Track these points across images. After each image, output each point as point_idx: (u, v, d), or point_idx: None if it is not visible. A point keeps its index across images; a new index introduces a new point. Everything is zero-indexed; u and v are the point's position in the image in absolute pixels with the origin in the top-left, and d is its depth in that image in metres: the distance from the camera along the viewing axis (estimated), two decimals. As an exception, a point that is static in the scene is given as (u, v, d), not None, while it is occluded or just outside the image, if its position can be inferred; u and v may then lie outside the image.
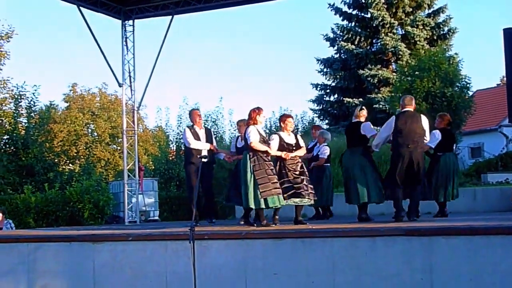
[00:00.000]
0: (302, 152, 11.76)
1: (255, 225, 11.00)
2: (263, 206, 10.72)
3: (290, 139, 11.57)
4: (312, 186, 11.47)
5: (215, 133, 26.85)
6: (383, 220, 11.38)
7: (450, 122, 12.89)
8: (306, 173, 11.55)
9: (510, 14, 65.32)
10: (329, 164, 14.06)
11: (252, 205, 10.75)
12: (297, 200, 11.20)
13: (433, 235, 8.00)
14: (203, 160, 10.60)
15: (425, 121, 11.12)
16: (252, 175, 10.69)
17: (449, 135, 12.70)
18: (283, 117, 11.87)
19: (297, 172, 11.31)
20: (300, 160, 11.63)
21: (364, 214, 11.61)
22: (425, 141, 11.21)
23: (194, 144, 13.05)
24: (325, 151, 13.81)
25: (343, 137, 15.38)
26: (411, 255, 8.02)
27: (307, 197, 11.26)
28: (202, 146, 13.01)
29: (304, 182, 11.31)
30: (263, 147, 10.94)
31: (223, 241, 9.29)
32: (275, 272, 8.74)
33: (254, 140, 10.86)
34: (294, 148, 11.54)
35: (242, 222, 11.88)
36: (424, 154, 11.43)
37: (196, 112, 13.66)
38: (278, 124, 11.78)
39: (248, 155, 10.85)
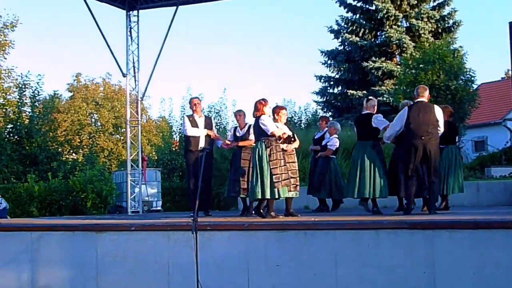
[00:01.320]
0: (297, 144, 11.99)
1: (278, 215, 11.02)
2: (276, 196, 10.75)
3: (287, 130, 11.66)
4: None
5: (218, 124, 26.90)
6: (387, 213, 11.39)
7: (452, 113, 12.84)
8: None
9: (515, 7, 65.17)
10: (334, 157, 14.06)
11: (268, 196, 10.74)
12: (293, 193, 11.43)
13: (437, 228, 7.99)
14: (204, 151, 10.62)
15: (438, 111, 10.91)
16: (268, 165, 10.71)
17: (452, 127, 12.65)
18: (277, 109, 11.98)
19: (293, 164, 11.65)
20: (294, 152, 11.94)
21: (375, 207, 11.48)
22: (439, 131, 10.91)
23: (190, 131, 13.05)
24: (335, 143, 13.84)
25: (346, 129, 15.35)
26: (414, 249, 8.01)
27: (296, 190, 11.58)
28: (198, 133, 12.98)
29: (296, 175, 11.64)
30: (281, 131, 11.13)
31: (226, 232, 9.30)
32: (278, 264, 8.74)
33: (273, 128, 10.96)
34: (292, 139, 11.66)
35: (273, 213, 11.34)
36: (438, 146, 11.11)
37: (194, 100, 13.61)
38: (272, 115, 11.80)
39: (264, 144, 10.85)
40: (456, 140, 12.96)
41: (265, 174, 10.72)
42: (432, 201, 10.89)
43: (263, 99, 11.21)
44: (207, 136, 13.02)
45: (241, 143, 12.90)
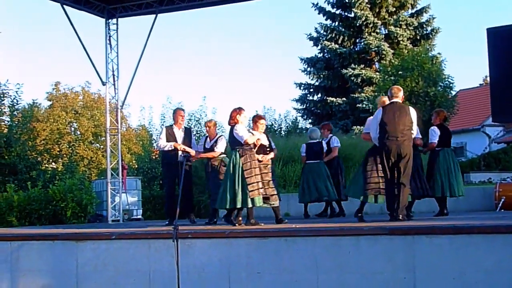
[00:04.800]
0: (273, 155, 12.06)
1: (242, 224, 11.01)
2: (250, 205, 10.75)
3: (264, 140, 11.64)
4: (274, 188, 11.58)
5: (198, 132, 26.88)
6: (381, 219, 11.37)
7: (445, 117, 12.84)
8: (272, 174, 11.73)
9: (492, 13, 65.72)
10: (318, 161, 14.14)
11: (239, 205, 10.76)
12: (274, 202, 11.43)
13: (417, 234, 8.02)
14: (180, 159, 10.67)
15: (413, 113, 10.72)
16: (241, 174, 10.70)
17: (446, 130, 12.66)
18: (256, 118, 12.02)
19: (268, 175, 11.47)
20: (271, 162, 11.87)
21: (360, 212, 11.33)
22: (412, 134, 10.71)
23: (161, 144, 13.17)
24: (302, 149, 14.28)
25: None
26: (394, 254, 8.03)
27: (272, 201, 11.40)
28: (166, 146, 13.14)
29: (271, 185, 11.45)
30: (254, 138, 11.17)
31: (207, 240, 9.28)
32: (259, 271, 8.74)
33: (247, 135, 11.01)
34: (268, 150, 11.67)
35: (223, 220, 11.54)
36: (413, 148, 10.85)
37: (179, 112, 13.63)
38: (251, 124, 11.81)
39: (237, 154, 10.86)
40: (451, 144, 12.95)
41: (237, 183, 10.75)
42: (401, 205, 10.51)
43: (239, 108, 11.26)
44: (175, 148, 13.02)
45: (202, 155, 12.94)
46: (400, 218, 10.31)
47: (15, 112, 27.66)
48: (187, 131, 13.49)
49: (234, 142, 11.08)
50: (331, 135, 14.48)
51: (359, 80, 31.65)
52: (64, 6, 17.54)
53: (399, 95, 10.88)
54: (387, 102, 11.07)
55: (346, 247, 8.30)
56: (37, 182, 21.09)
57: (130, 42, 38.98)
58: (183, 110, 13.94)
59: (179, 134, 13.19)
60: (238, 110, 11.22)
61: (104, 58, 18.91)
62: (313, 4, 33.98)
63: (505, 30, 6.14)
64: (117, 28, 19.09)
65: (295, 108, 35.17)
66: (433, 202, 12.88)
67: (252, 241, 8.93)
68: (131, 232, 10.22)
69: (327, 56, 33.95)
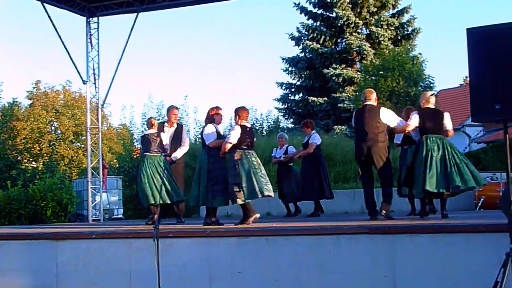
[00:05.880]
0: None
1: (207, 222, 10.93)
2: (213, 205, 10.73)
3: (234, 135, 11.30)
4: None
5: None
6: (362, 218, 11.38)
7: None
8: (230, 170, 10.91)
9: (472, 13, 66.10)
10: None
11: (201, 203, 10.90)
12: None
13: (397, 233, 8.04)
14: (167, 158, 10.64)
15: (384, 114, 10.68)
16: (207, 175, 10.63)
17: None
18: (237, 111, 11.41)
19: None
20: (233, 158, 10.88)
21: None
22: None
23: None
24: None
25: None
26: (375, 253, 8.03)
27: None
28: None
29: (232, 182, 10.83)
30: (217, 142, 10.83)
31: (188, 239, 9.27)
32: (240, 270, 8.72)
33: (211, 138, 10.84)
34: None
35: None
36: (388, 149, 10.75)
37: (173, 110, 13.66)
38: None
39: (206, 154, 10.81)
40: None
41: (200, 183, 10.72)
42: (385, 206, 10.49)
43: (216, 107, 11.16)
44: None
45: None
46: (379, 217, 10.38)
47: (-5, 111, 27.60)
48: (178, 129, 13.47)
49: (203, 141, 11.06)
50: (314, 132, 14.36)
51: (340, 80, 31.77)
52: (45, 4, 17.48)
53: (372, 98, 10.87)
54: (428, 95, 11.04)
55: (327, 246, 8.30)
56: (17, 181, 21.01)
57: (111, 41, 38.73)
58: (177, 108, 13.96)
59: (169, 132, 13.19)
60: (216, 109, 11.12)
61: (85, 56, 18.87)
62: (294, 3, 34.11)
63: (485, 31, 6.17)
64: (98, 26, 19.06)
65: (276, 108, 35.31)
66: (417, 201, 12.83)
67: (233, 240, 8.93)
68: (111, 232, 10.19)
69: (308, 56, 34.04)
